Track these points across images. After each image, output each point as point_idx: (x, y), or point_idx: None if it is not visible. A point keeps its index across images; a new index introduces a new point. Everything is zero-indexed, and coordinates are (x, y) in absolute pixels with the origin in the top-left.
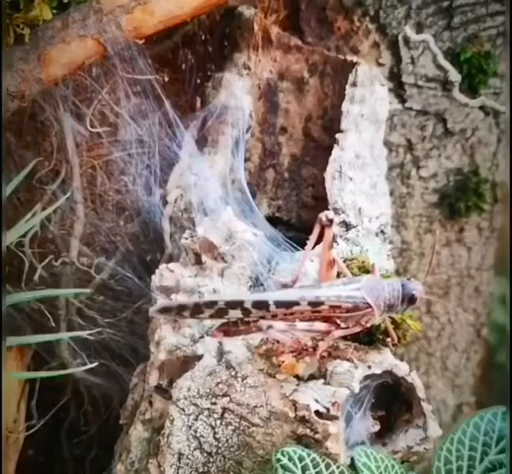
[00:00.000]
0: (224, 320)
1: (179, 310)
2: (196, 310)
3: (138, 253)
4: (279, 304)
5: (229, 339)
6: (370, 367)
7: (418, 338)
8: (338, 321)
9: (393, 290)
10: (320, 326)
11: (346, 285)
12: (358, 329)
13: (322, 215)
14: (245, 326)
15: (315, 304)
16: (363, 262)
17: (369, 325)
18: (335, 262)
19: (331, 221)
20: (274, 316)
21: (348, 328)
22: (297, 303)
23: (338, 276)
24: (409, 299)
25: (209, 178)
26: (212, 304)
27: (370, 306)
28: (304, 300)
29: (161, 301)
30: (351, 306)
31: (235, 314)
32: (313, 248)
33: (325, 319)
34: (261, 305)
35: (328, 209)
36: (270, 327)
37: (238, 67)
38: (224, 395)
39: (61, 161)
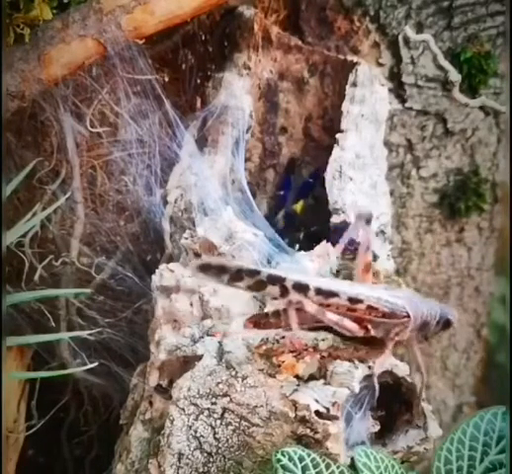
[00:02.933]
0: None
1: (219, 271)
2: (235, 276)
3: (138, 253)
4: (319, 291)
5: (256, 332)
6: (370, 367)
7: None
8: (369, 326)
9: (432, 309)
10: (349, 324)
11: (387, 291)
12: (390, 344)
13: (358, 212)
14: (276, 319)
15: (354, 301)
16: None
17: (398, 338)
18: (371, 264)
19: (369, 220)
20: None
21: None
22: (336, 295)
23: None
24: (445, 323)
25: (209, 178)
26: (254, 274)
27: (407, 316)
28: (345, 294)
29: (205, 257)
30: (388, 311)
31: (273, 290)
32: (314, 248)
33: (357, 321)
34: (301, 288)
35: (328, 209)
36: (299, 302)
37: (238, 67)
38: (224, 395)
39: (61, 161)
